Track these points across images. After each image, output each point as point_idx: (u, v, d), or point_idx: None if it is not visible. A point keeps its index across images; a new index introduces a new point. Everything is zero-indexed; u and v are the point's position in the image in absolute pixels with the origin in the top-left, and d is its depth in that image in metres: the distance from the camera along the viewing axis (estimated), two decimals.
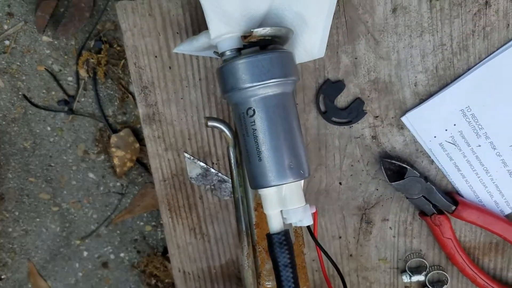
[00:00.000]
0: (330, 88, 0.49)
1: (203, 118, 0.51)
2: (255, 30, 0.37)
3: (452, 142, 0.49)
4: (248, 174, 0.40)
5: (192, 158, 0.53)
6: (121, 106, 0.63)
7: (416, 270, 0.55)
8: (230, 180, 0.52)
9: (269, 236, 0.38)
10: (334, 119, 0.50)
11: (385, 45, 0.47)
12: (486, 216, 0.50)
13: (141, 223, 0.70)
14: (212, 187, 0.54)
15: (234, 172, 0.44)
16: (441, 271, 0.55)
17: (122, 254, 0.72)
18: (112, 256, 0.72)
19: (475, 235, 0.53)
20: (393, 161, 0.50)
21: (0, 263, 0.72)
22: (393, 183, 0.50)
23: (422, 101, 0.49)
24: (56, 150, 0.66)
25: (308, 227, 0.40)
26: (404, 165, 0.49)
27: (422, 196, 0.50)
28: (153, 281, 0.72)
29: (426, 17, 0.46)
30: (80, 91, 0.62)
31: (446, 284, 0.55)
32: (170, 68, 0.50)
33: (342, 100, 0.50)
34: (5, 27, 0.57)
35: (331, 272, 0.56)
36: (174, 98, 0.51)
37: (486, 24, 0.46)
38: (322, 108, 0.50)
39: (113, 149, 0.64)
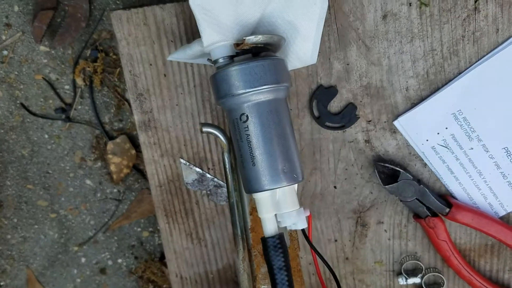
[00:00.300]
0: (323, 94, 0.49)
1: (198, 124, 0.52)
2: (247, 38, 0.37)
3: (444, 145, 0.50)
4: (242, 179, 0.40)
5: (188, 163, 0.54)
6: (117, 113, 0.64)
7: (412, 273, 0.55)
8: (226, 185, 0.52)
9: (264, 240, 0.38)
10: (327, 124, 0.51)
11: (376, 51, 0.48)
12: (481, 218, 0.50)
13: (138, 229, 0.71)
14: (208, 192, 0.55)
15: (229, 177, 0.44)
16: (437, 274, 0.55)
17: (119, 260, 0.72)
18: (109, 262, 0.73)
19: (470, 237, 0.54)
20: (387, 165, 0.50)
21: None
22: (386, 186, 0.50)
23: (413, 105, 0.49)
24: (54, 157, 0.66)
25: (303, 230, 0.41)
26: (397, 168, 0.50)
27: (416, 198, 0.50)
28: (151, 287, 0.72)
29: (416, 23, 0.47)
30: (77, 99, 0.63)
31: (442, 286, 0.55)
32: (165, 75, 0.51)
33: (335, 105, 0.50)
34: (3, 37, 0.58)
35: (328, 276, 0.57)
36: (169, 104, 0.52)
37: (476, 29, 0.47)
38: (316, 113, 0.51)
39: (110, 156, 0.65)
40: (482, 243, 0.54)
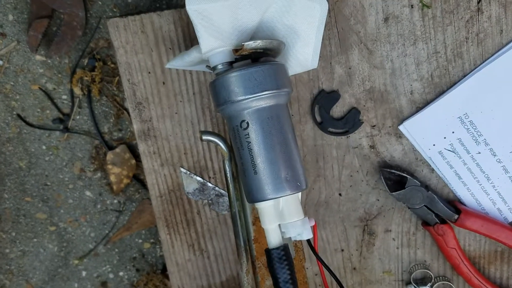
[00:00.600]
0: (325, 99, 0.48)
1: (198, 132, 0.51)
2: (246, 43, 0.36)
3: (451, 150, 0.49)
4: (244, 188, 0.39)
5: (188, 173, 0.52)
6: (116, 122, 0.63)
7: (421, 282, 0.54)
8: (227, 194, 0.51)
9: (268, 252, 0.37)
10: (330, 129, 0.49)
11: (378, 54, 0.47)
12: (490, 224, 0.49)
13: (140, 241, 0.70)
14: (210, 201, 0.53)
15: (231, 186, 0.43)
16: (447, 282, 0.53)
17: (121, 273, 0.71)
18: (111, 275, 0.71)
19: (480, 243, 0.52)
20: (393, 171, 0.49)
21: None
22: (393, 193, 0.49)
23: (419, 109, 0.48)
24: (52, 169, 0.65)
25: (308, 241, 0.39)
26: (404, 175, 0.48)
27: (424, 205, 0.49)
28: None
29: (419, 26, 0.46)
30: (75, 109, 0.62)
31: None
32: (163, 83, 0.50)
33: (337, 110, 0.49)
34: None
35: (335, 287, 0.55)
36: (169, 113, 0.51)
37: (480, 31, 0.46)
38: (318, 119, 0.49)
39: (110, 166, 0.63)
40: (491, 250, 0.52)
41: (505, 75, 0.46)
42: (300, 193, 0.39)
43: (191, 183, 0.53)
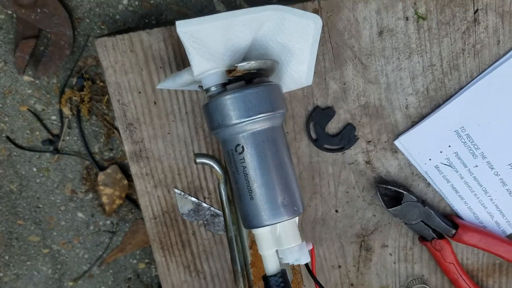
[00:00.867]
0: (320, 115, 0.48)
1: (192, 153, 0.50)
2: (240, 64, 0.36)
3: (448, 163, 0.48)
4: (240, 214, 0.38)
5: (182, 193, 0.51)
6: (107, 142, 0.61)
7: None
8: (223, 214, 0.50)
9: (266, 279, 0.36)
10: (326, 146, 0.49)
11: (373, 69, 0.46)
12: (488, 238, 0.48)
13: (134, 261, 0.68)
14: (205, 222, 0.52)
15: (226, 209, 0.42)
16: None
17: None
18: None
19: (478, 256, 0.52)
20: (389, 187, 0.48)
21: None
22: (390, 209, 0.48)
23: (414, 123, 0.48)
24: (43, 191, 0.64)
25: (306, 264, 0.39)
26: (400, 190, 0.48)
27: (421, 221, 0.48)
28: None
29: (414, 38, 0.45)
30: (64, 130, 0.60)
31: None
32: (155, 103, 0.49)
33: (333, 126, 0.48)
34: None
35: None
36: (161, 133, 0.50)
37: (476, 42, 0.45)
38: (313, 135, 0.49)
39: (101, 187, 0.62)
40: (490, 263, 0.52)
41: (502, 86, 0.45)
42: (297, 217, 0.38)
43: (186, 204, 0.52)
